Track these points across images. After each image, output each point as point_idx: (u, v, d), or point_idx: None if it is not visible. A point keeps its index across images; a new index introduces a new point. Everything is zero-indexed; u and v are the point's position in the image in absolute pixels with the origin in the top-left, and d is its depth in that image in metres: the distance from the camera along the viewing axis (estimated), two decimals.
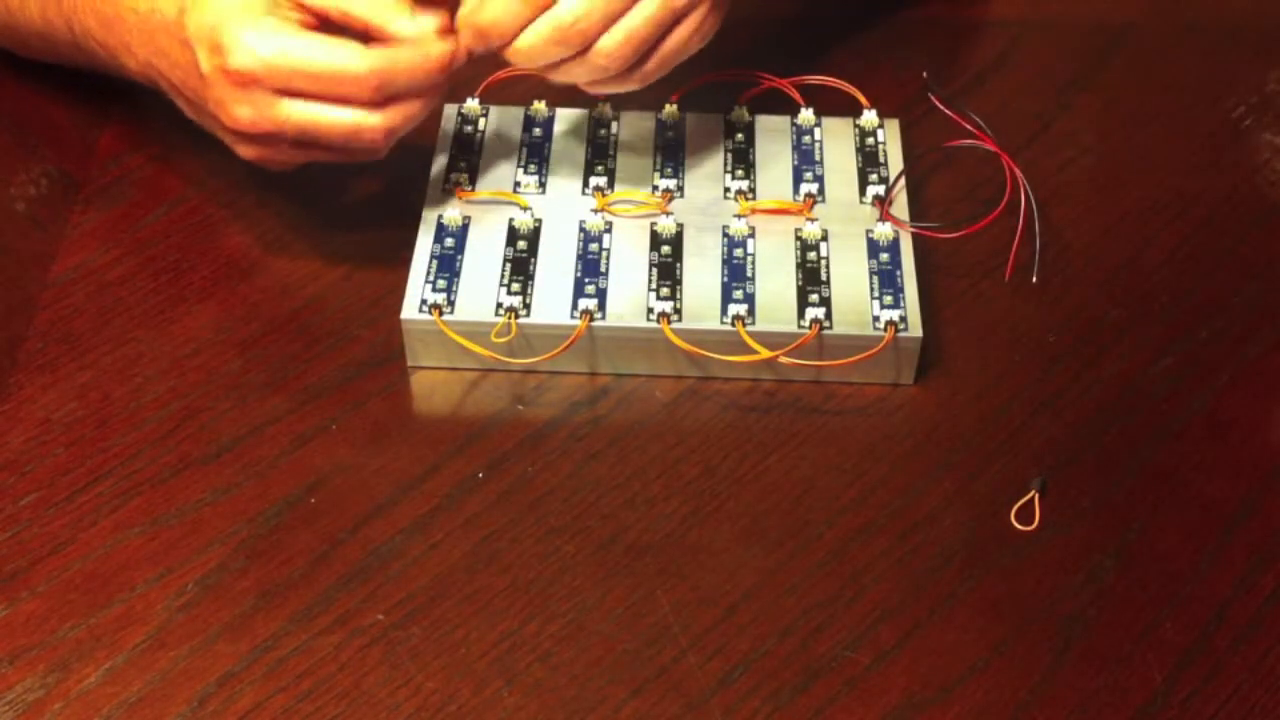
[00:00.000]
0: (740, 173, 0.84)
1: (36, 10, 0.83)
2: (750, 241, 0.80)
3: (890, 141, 0.86)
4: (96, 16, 0.78)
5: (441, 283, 0.78)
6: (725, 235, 0.80)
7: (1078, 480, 0.74)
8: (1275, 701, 0.66)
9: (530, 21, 0.73)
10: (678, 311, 0.76)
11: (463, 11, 0.74)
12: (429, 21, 0.73)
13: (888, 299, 0.77)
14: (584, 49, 0.73)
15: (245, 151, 0.75)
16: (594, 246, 0.80)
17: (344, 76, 0.71)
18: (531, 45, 0.73)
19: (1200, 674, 0.67)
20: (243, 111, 0.72)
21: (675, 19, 0.74)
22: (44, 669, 0.66)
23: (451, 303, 0.77)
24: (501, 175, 0.84)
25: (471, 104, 0.87)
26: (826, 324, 0.76)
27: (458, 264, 0.79)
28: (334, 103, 0.72)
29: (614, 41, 0.73)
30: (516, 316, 0.76)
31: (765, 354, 0.75)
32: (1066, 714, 0.65)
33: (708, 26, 0.76)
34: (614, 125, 0.86)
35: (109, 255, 0.83)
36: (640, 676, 0.66)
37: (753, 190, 0.83)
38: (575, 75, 0.75)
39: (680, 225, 0.81)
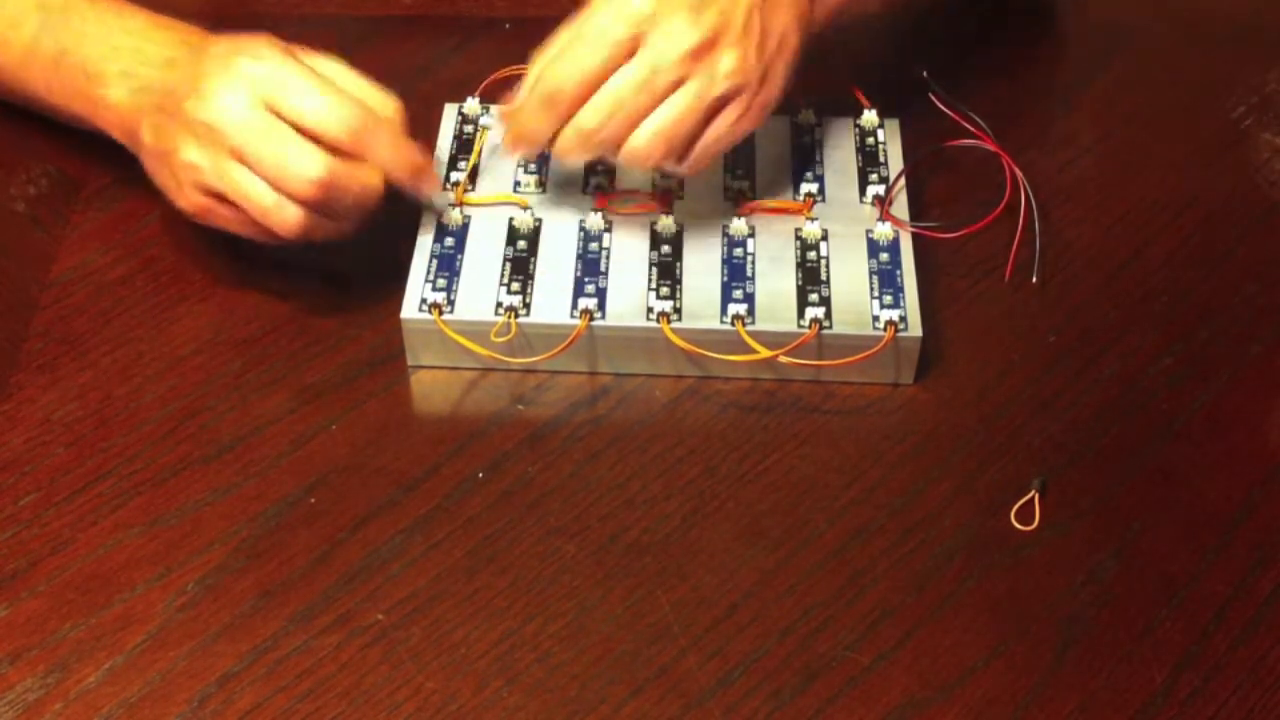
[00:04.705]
0: (740, 173, 0.84)
1: (23, 40, 0.81)
2: (750, 241, 0.80)
3: (890, 141, 0.86)
4: (98, 27, 0.79)
5: (441, 282, 0.78)
6: (725, 235, 0.80)
7: (1078, 480, 0.74)
8: (1275, 701, 0.66)
9: (559, 128, 0.75)
10: (677, 311, 0.76)
11: (506, 110, 0.79)
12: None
13: (887, 299, 0.77)
14: (617, 146, 0.75)
15: (186, 156, 0.75)
16: (594, 246, 0.80)
17: (335, 104, 0.74)
18: (563, 150, 0.76)
19: (1200, 674, 0.67)
20: (223, 101, 0.73)
21: (711, 111, 0.75)
22: (44, 669, 0.66)
23: (451, 302, 0.77)
24: (502, 175, 0.84)
25: (471, 104, 0.87)
26: (826, 324, 0.76)
27: (458, 263, 0.79)
28: (306, 134, 0.74)
29: (644, 140, 0.74)
30: (516, 316, 0.76)
31: (765, 354, 0.75)
32: (1066, 714, 0.65)
33: (755, 111, 0.76)
34: None
35: (109, 255, 0.83)
36: (640, 676, 0.66)
37: (753, 190, 0.83)
38: (623, 164, 0.76)
39: (680, 225, 0.81)
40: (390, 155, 0.76)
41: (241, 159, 0.74)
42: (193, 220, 0.78)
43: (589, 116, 0.74)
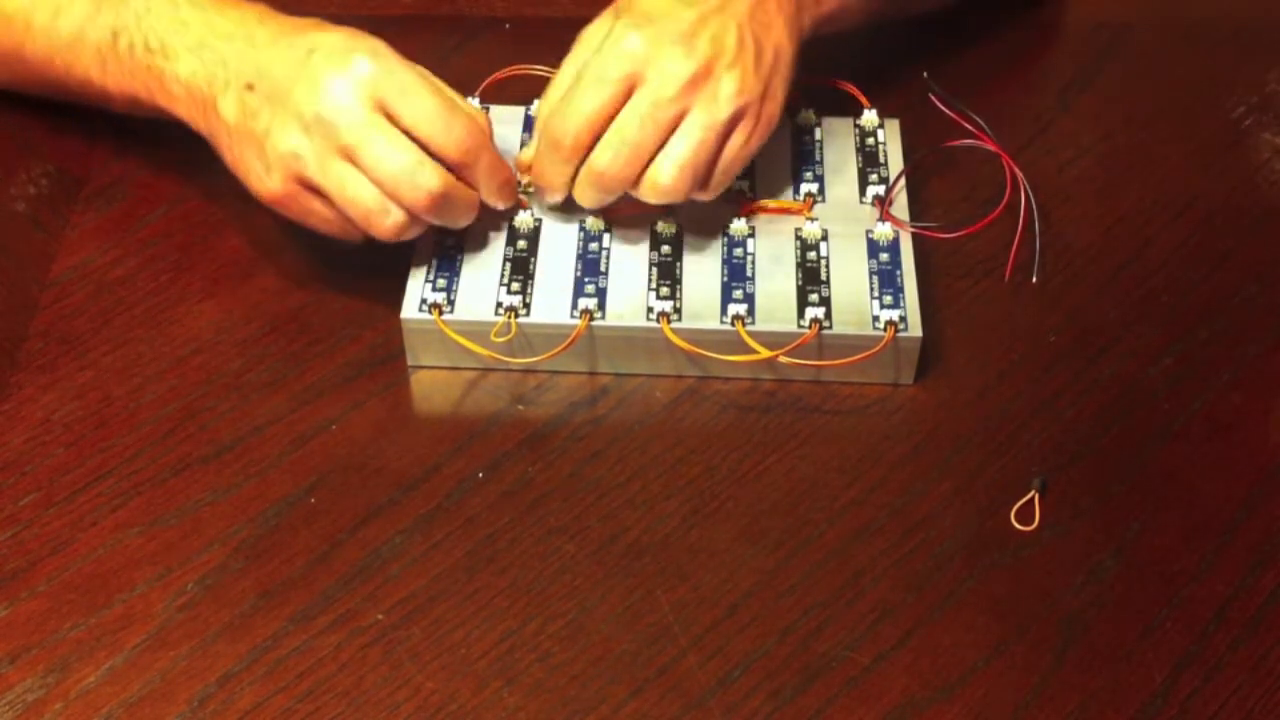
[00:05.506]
0: (740, 173, 0.84)
1: (71, 24, 0.80)
2: (750, 241, 0.80)
3: (890, 141, 0.86)
4: (161, 4, 0.77)
5: (441, 282, 0.78)
6: (725, 235, 0.80)
7: (1078, 480, 0.74)
8: (1275, 701, 0.66)
9: (576, 170, 0.76)
10: (677, 311, 0.76)
11: (523, 159, 0.81)
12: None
13: (887, 299, 0.77)
14: (631, 184, 0.75)
15: (287, 143, 0.73)
16: (594, 246, 0.80)
17: (453, 119, 0.73)
18: (583, 196, 0.77)
19: (1200, 674, 0.67)
20: (339, 97, 0.72)
21: (723, 135, 0.75)
22: (44, 669, 0.66)
23: (451, 302, 0.77)
24: None
25: (471, 104, 0.87)
26: (826, 324, 0.76)
27: (458, 263, 0.79)
28: (416, 142, 0.73)
29: (670, 174, 0.75)
30: (516, 316, 0.76)
31: (765, 354, 0.75)
32: (1066, 714, 0.65)
33: (762, 127, 0.76)
34: None
35: (109, 255, 0.83)
36: (640, 676, 0.66)
37: (753, 190, 0.83)
38: (650, 200, 0.76)
39: (680, 225, 0.81)
40: (487, 175, 0.76)
41: (351, 158, 0.73)
42: (266, 206, 0.76)
43: (600, 157, 0.75)
